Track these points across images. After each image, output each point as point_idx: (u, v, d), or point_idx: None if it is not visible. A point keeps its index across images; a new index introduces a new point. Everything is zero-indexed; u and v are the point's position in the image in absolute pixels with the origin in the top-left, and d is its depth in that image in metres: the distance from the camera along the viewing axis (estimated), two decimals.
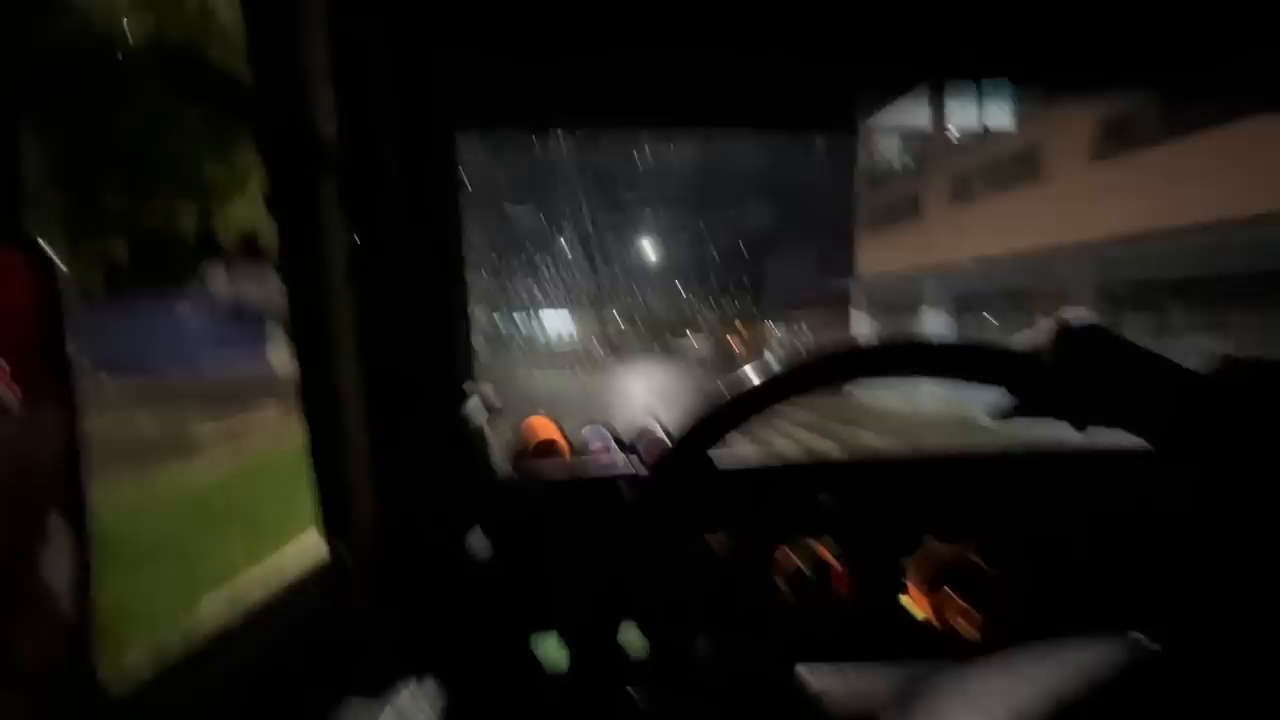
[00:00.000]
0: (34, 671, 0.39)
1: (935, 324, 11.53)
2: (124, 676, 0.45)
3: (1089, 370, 0.37)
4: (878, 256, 13.48)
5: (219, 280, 12.93)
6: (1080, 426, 0.38)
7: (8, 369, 0.37)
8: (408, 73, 0.74)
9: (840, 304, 15.43)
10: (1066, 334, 0.38)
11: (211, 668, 0.53)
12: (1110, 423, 0.37)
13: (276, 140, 0.62)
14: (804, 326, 18.22)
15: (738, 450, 0.71)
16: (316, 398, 0.65)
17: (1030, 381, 0.39)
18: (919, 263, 11.58)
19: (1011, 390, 0.39)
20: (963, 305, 11.02)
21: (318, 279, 0.65)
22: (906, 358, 0.43)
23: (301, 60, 0.63)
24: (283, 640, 0.61)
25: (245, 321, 12.96)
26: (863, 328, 13.89)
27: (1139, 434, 0.36)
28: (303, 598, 0.64)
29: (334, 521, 0.67)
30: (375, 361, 0.69)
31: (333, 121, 0.66)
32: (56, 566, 0.39)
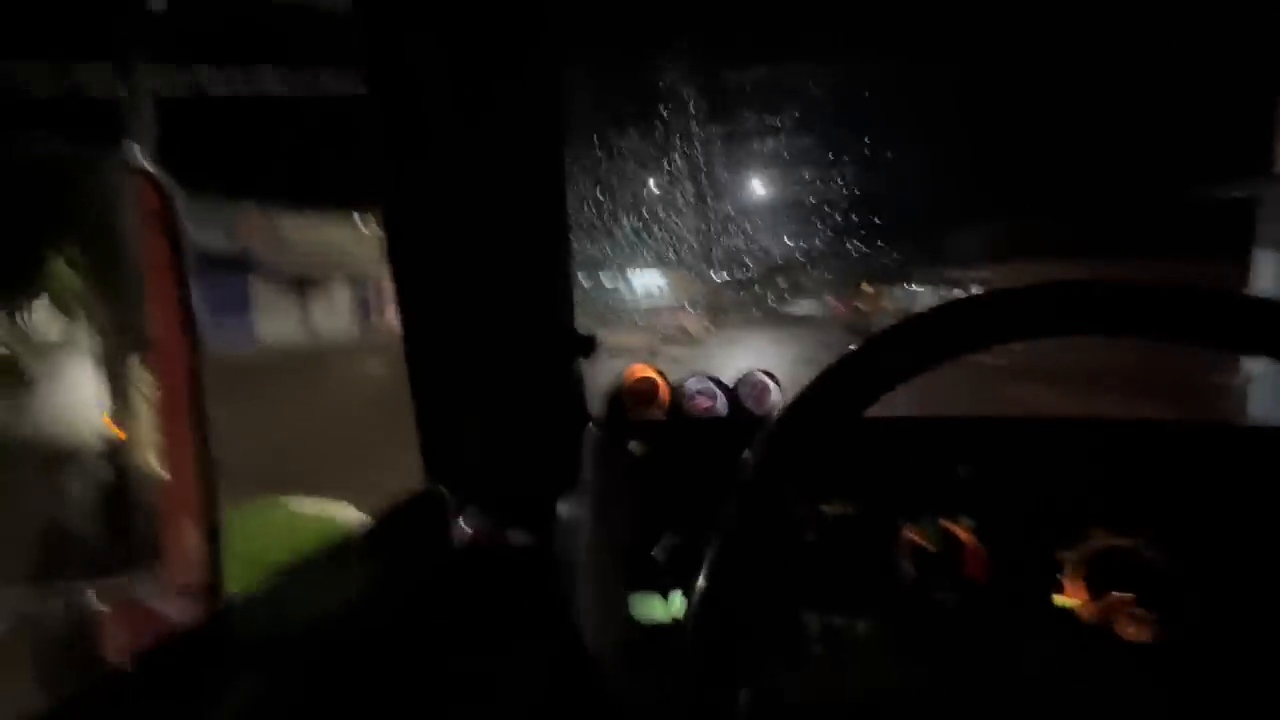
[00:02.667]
0: (177, 579, 0.46)
1: None
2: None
3: None
4: None
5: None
6: None
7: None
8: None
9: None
10: None
11: (311, 596, 0.58)
12: None
13: (382, 90, 0.67)
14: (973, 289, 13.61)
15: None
16: (421, 344, 0.72)
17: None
18: None
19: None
20: None
21: (421, 227, 0.70)
22: (1147, 308, 0.35)
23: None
24: (384, 576, 0.67)
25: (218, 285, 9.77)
26: None
27: None
28: (404, 538, 0.71)
29: (438, 465, 0.75)
30: (478, 306, 0.74)
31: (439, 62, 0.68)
32: (195, 485, 0.45)
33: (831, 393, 0.38)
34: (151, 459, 0.46)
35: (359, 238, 17.19)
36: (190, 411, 0.44)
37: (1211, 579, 0.67)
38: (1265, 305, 0.33)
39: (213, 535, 0.45)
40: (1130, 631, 0.67)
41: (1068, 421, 0.80)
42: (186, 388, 0.43)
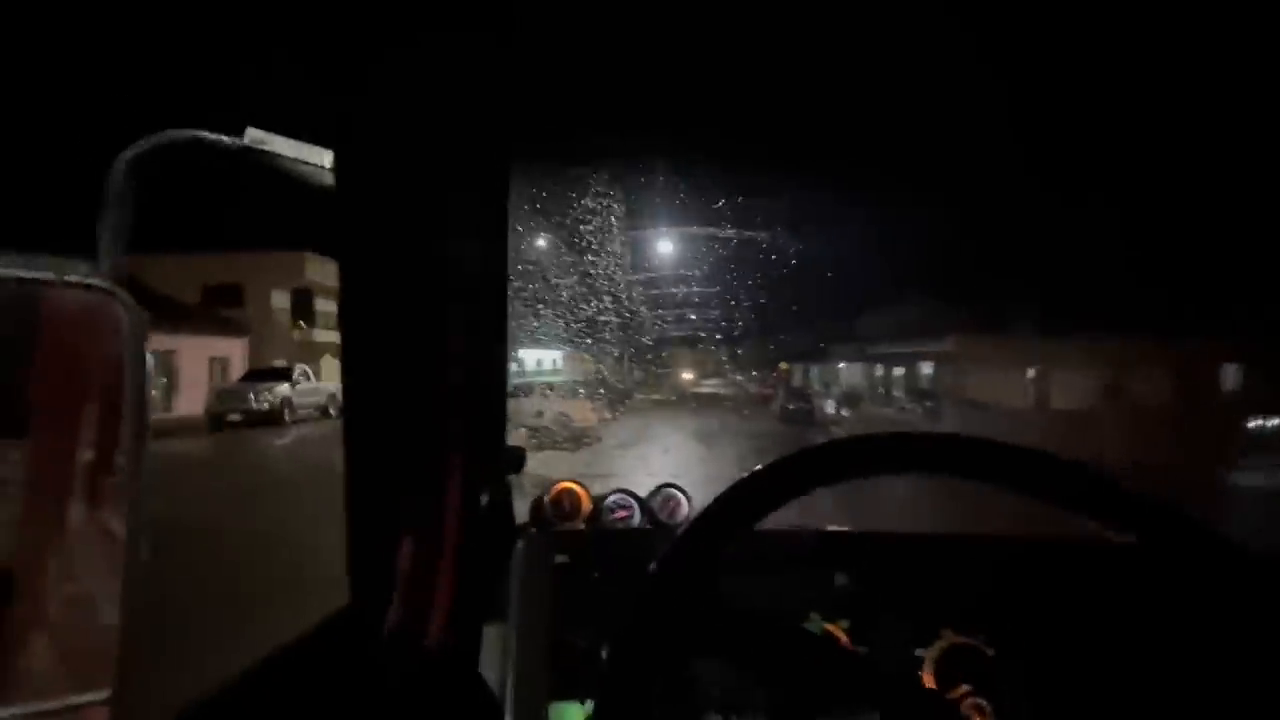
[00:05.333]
0: (70, 698, 0.43)
1: None
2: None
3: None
4: None
5: None
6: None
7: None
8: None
9: None
10: None
11: (221, 702, 0.60)
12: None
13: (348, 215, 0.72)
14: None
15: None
16: (357, 449, 0.72)
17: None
18: None
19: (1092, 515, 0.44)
20: None
21: (373, 336, 0.73)
22: (983, 459, 0.46)
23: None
24: (307, 693, 0.68)
25: None
26: None
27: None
28: (325, 647, 0.72)
29: (364, 576, 0.74)
30: (413, 417, 0.75)
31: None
32: (108, 582, 0.43)
33: (728, 511, 0.45)
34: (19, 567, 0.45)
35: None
36: (90, 519, 0.44)
37: (1036, 673, 0.78)
38: (1047, 460, 0.44)
39: (120, 648, 0.42)
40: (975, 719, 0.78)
41: (926, 537, 0.95)
42: (97, 492, 0.44)
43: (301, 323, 20.01)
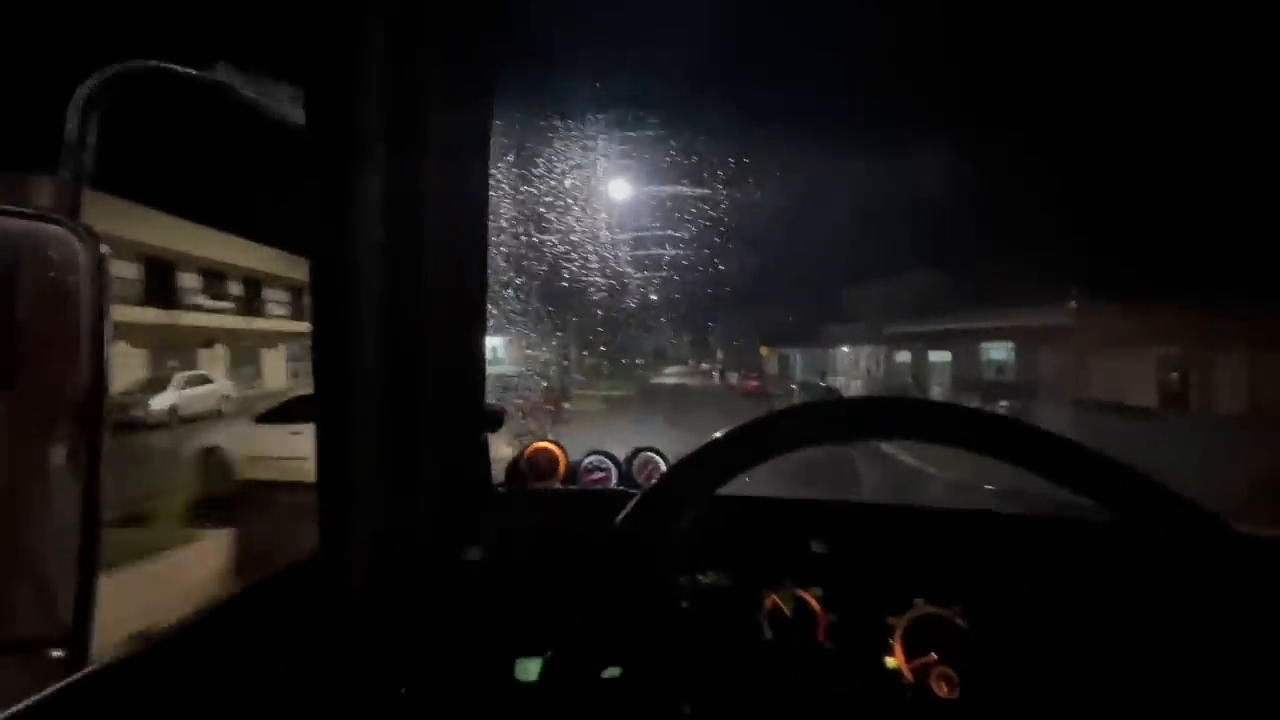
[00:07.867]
0: (33, 635, 0.44)
1: None
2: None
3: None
4: None
5: None
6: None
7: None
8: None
9: None
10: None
11: (193, 655, 0.63)
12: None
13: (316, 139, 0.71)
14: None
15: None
16: (330, 400, 0.74)
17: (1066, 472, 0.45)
18: None
19: (1042, 475, 0.45)
20: None
21: (345, 281, 0.72)
22: (956, 424, 0.48)
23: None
24: (269, 633, 0.72)
25: None
26: None
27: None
28: (294, 595, 0.76)
29: (333, 525, 0.76)
30: (391, 370, 0.76)
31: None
32: (68, 532, 0.44)
33: (690, 476, 0.48)
34: None
35: None
36: (64, 464, 0.43)
37: (1007, 646, 0.79)
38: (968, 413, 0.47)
39: (82, 592, 0.43)
40: (941, 689, 0.79)
41: (902, 507, 0.97)
42: (65, 438, 0.43)
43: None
